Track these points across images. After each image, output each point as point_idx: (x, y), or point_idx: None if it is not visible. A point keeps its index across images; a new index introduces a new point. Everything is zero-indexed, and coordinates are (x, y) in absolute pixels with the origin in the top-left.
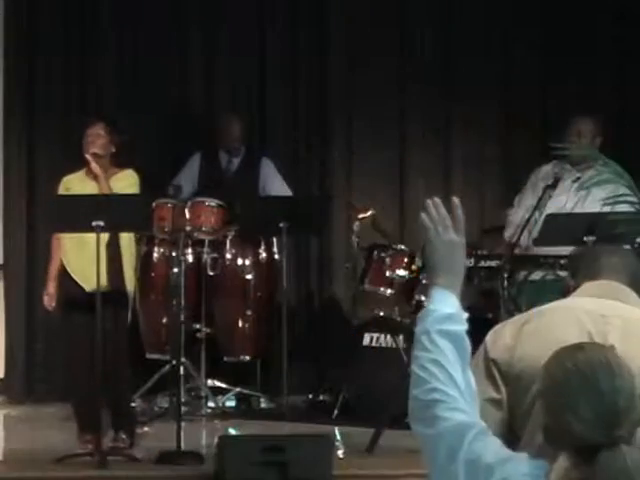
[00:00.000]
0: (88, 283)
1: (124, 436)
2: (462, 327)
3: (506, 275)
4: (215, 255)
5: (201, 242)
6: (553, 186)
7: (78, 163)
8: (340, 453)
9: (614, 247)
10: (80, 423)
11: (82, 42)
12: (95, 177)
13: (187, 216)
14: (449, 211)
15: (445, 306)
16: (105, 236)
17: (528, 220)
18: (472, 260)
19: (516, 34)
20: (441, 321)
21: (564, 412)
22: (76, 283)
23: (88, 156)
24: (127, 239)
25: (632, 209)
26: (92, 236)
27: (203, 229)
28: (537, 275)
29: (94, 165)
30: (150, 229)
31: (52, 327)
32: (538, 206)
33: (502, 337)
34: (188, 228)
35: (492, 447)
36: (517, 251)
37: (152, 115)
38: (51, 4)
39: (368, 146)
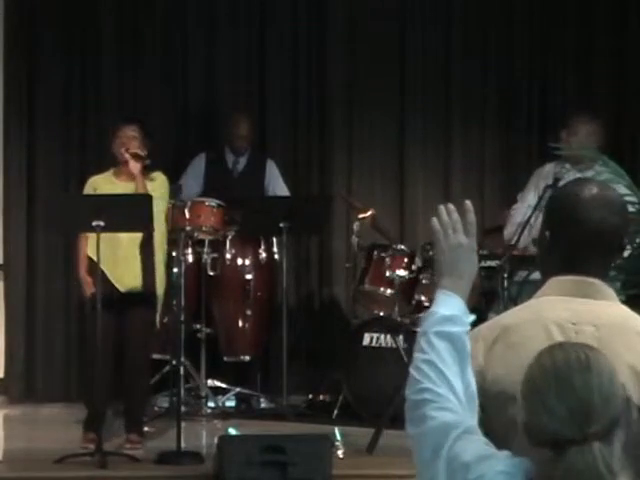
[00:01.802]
0: (122, 284)
1: (136, 437)
2: (462, 329)
3: (506, 275)
4: (215, 255)
5: (201, 242)
6: (553, 186)
7: (78, 163)
8: (340, 453)
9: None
10: (87, 422)
11: (82, 42)
12: (130, 177)
13: (187, 216)
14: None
15: (446, 308)
16: (138, 236)
17: (528, 220)
18: None
19: (515, 34)
20: (440, 322)
21: (539, 408)
22: (107, 282)
23: (127, 155)
24: (160, 238)
25: (632, 209)
26: (125, 236)
27: (203, 229)
28: (537, 275)
29: (133, 164)
30: (150, 229)
31: (52, 327)
32: (538, 206)
33: (474, 357)
34: (188, 228)
35: (474, 446)
36: (516, 251)
37: (152, 115)
38: (51, 4)
39: (368, 146)
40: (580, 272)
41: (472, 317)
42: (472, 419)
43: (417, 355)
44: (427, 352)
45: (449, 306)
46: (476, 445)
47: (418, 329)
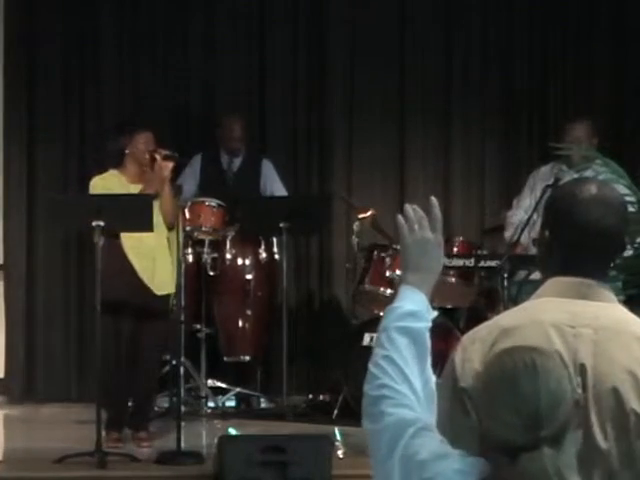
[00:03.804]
0: (155, 286)
1: (145, 434)
2: (424, 324)
3: (506, 275)
4: (215, 255)
5: (201, 242)
6: (554, 186)
7: (78, 163)
8: (340, 453)
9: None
10: (109, 423)
11: (82, 42)
12: (137, 179)
13: (187, 216)
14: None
15: (409, 303)
16: (163, 238)
17: (528, 220)
18: (472, 260)
19: (515, 34)
20: (402, 318)
21: (487, 415)
22: (131, 283)
23: (158, 157)
24: (175, 240)
25: (632, 209)
26: (152, 237)
27: (203, 229)
28: (537, 275)
29: (164, 165)
30: (150, 229)
31: (52, 327)
32: (538, 206)
33: (471, 360)
34: (188, 228)
35: (430, 444)
36: (517, 251)
37: (152, 115)
38: (51, 4)
39: (368, 146)
40: (580, 272)
41: (435, 313)
42: (430, 416)
43: (377, 350)
44: (387, 348)
45: (412, 301)
46: (432, 443)
47: (380, 324)
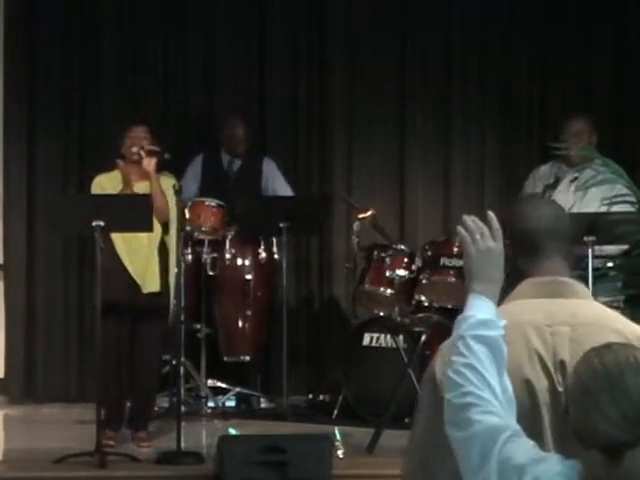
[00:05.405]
0: (144, 285)
1: (145, 434)
2: (497, 332)
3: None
4: (215, 255)
5: (201, 242)
6: (553, 186)
7: (78, 163)
8: (340, 453)
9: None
10: (106, 421)
11: (82, 42)
12: (139, 176)
13: (187, 216)
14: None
15: (480, 312)
16: (156, 237)
17: None
18: None
19: (515, 33)
20: (476, 327)
21: (590, 412)
22: (127, 282)
23: (142, 153)
24: (174, 242)
25: (632, 209)
26: (145, 236)
27: (203, 229)
28: None
29: (147, 161)
30: (150, 229)
31: (52, 327)
32: None
33: None
34: (188, 228)
35: (524, 448)
36: None
37: (152, 116)
38: (52, 5)
39: (368, 146)
40: (546, 271)
41: (503, 322)
42: (514, 422)
43: (456, 359)
44: (467, 356)
45: (483, 310)
46: (526, 448)
47: (453, 333)
